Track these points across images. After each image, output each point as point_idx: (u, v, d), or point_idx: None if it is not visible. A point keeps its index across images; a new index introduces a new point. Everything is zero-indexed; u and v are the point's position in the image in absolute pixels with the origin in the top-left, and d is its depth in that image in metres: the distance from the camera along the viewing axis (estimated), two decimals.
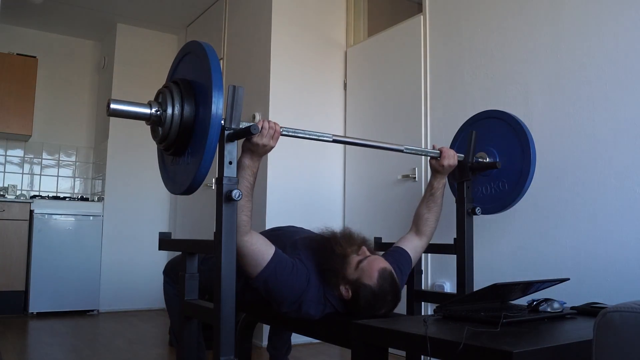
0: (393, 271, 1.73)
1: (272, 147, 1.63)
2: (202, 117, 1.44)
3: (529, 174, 2.12)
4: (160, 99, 1.52)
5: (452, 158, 2.08)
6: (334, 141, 1.87)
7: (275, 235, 1.89)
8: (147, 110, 1.49)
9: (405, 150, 2.03)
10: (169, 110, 1.48)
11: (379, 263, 1.72)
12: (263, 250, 1.67)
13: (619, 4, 2.19)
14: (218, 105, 1.40)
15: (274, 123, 1.62)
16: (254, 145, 1.59)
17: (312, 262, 1.77)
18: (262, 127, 1.58)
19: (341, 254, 1.74)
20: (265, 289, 1.70)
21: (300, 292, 1.70)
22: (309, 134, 1.77)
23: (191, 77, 1.53)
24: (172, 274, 2.00)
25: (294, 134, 1.71)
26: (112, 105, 1.43)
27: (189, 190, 1.50)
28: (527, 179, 2.12)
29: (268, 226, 3.11)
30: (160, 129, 1.52)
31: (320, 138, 1.81)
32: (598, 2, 2.27)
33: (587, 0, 2.31)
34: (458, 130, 2.40)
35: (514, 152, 2.16)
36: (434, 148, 2.12)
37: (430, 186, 2.13)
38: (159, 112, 1.49)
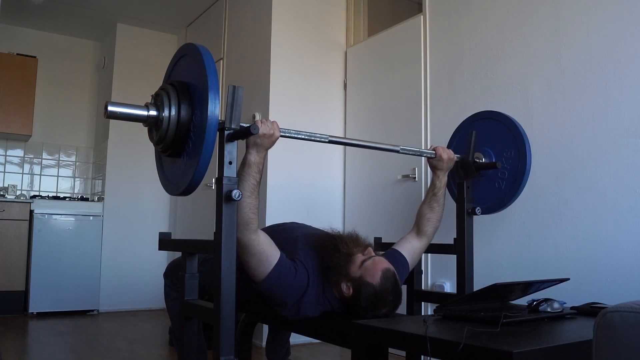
0: (396, 273, 1.73)
1: (277, 137, 1.62)
2: (199, 118, 1.44)
3: (525, 173, 2.12)
4: (157, 101, 1.51)
5: (448, 150, 2.12)
6: (330, 142, 1.85)
7: (276, 231, 1.88)
8: (144, 112, 1.49)
9: (400, 151, 2.02)
10: (166, 112, 1.47)
11: (383, 263, 1.72)
12: (268, 253, 1.66)
13: (619, 4, 2.19)
14: (215, 107, 1.39)
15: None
16: (259, 137, 1.58)
17: (311, 261, 1.76)
18: (261, 122, 1.59)
19: (346, 253, 1.74)
20: (270, 294, 1.70)
21: (300, 294, 1.70)
22: (304, 135, 1.75)
23: (187, 79, 1.53)
24: (172, 277, 2.00)
25: (288, 135, 1.70)
26: (110, 108, 1.43)
27: (187, 191, 1.50)
28: (523, 179, 2.13)
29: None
30: (157, 130, 1.51)
31: (315, 139, 1.79)
32: (598, 3, 2.27)
33: (587, 1, 2.31)
34: (454, 132, 2.41)
35: (509, 151, 2.17)
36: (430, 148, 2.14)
37: (432, 186, 2.13)
38: (155, 114, 1.49)
